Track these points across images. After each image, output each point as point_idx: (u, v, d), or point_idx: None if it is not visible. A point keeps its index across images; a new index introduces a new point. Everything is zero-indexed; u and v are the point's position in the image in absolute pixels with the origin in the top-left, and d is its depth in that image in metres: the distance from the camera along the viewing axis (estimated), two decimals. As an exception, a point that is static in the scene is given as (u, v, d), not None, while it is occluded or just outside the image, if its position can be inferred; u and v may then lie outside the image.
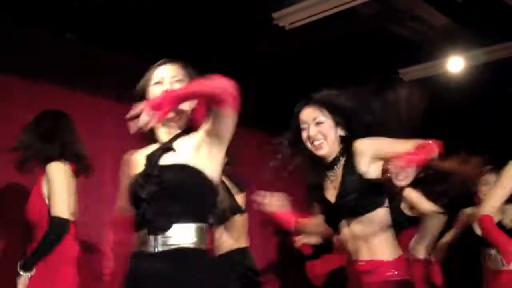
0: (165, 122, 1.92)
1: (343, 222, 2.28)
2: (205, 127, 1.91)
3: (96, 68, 4.41)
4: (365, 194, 2.22)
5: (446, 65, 4.69)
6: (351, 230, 2.25)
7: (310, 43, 4.52)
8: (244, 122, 5.23)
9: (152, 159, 1.91)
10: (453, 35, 4.40)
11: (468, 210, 4.32)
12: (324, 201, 2.35)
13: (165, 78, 2.03)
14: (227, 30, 4.31)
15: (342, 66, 4.94)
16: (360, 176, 2.23)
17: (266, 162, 5.11)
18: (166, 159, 1.88)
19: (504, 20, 4.09)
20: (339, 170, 2.32)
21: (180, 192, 1.81)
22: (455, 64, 4.65)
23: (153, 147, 2.00)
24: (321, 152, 2.34)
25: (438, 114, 5.64)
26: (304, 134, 2.41)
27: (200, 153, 1.88)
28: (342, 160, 2.33)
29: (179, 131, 1.97)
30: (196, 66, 4.64)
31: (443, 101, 5.29)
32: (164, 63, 2.08)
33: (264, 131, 5.38)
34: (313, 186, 2.43)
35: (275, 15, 4.13)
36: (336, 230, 2.33)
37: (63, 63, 4.19)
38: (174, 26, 4.19)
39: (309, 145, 2.38)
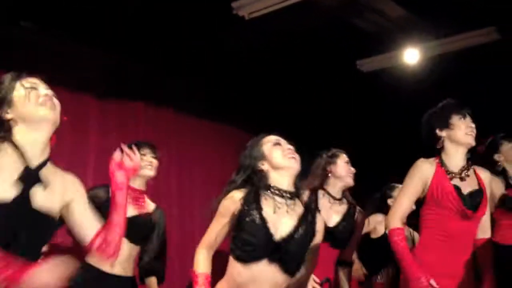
0: None
1: None
2: None
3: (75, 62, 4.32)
4: None
5: (403, 56, 4.75)
6: None
7: (269, 33, 4.50)
8: (197, 112, 5.16)
9: None
10: (409, 26, 4.45)
11: (378, 217, 4.34)
12: None
13: None
14: (185, 19, 4.26)
15: (300, 57, 4.95)
16: None
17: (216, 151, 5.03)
18: None
19: (458, 11, 4.16)
20: None
21: None
22: (411, 55, 4.71)
23: None
24: None
25: (395, 105, 5.75)
26: None
27: None
28: None
29: None
30: (153, 56, 4.62)
31: (399, 92, 5.38)
32: None
33: (217, 121, 5.42)
34: None
35: (234, 4, 4.09)
36: None
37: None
38: (135, 18, 4.15)
39: None
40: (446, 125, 2.80)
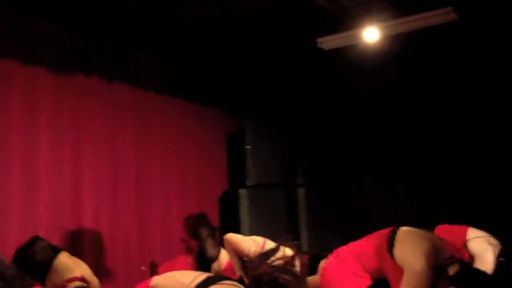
0: None
1: None
2: None
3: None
4: None
5: (363, 35, 4.76)
6: None
7: (231, 10, 4.46)
8: (154, 88, 5.10)
9: None
10: (369, 5, 4.47)
11: None
12: None
13: None
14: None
15: (260, 34, 4.93)
16: None
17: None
18: None
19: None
20: None
21: None
22: (371, 34, 4.73)
23: None
24: None
25: (355, 82, 5.81)
26: None
27: None
28: None
29: None
30: (110, 31, 4.53)
31: (360, 69, 5.43)
32: None
33: (175, 97, 5.38)
34: None
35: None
36: None
37: None
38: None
39: None
40: None
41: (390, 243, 2.55)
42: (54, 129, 4.28)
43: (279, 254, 3.39)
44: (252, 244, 3.61)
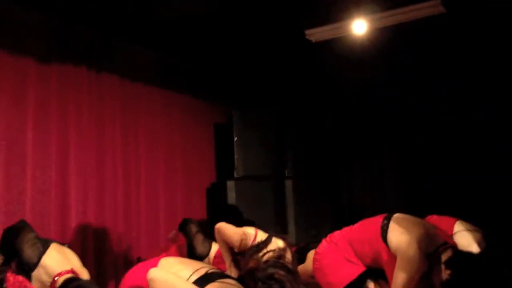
0: None
1: None
2: None
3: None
4: None
5: (351, 27, 4.76)
6: None
7: (219, 1, 4.44)
8: (143, 78, 5.07)
9: None
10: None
11: None
12: None
13: None
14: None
15: (249, 24, 4.91)
16: None
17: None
18: None
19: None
20: None
21: None
22: (359, 26, 4.73)
23: None
24: None
25: (343, 74, 5.82)
26: None
27: None
28: None
29: None
30: (98, 20, 4.48)
31: (348, 62, 5.43)
32: None
33: (163, 87, 5.38)
34: None
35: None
36: None
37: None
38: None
39: None
40: None
41: (384, 230, 2.56)
42: (40, 119, 4.25)
43: (271, 246, 3.38)
44: (244, 236, 3.59)
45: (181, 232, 4.58)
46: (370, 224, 2.71)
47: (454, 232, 3.71)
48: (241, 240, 3.47)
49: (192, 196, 5.57)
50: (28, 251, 3.01)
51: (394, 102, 6.14)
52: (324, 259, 2.85)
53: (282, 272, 2.40)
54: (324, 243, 2.95)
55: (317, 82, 6.12)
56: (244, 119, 5.85)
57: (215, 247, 4.38)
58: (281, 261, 2.87)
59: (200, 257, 4.44)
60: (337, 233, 2.93)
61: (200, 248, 4.51)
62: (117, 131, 4.87)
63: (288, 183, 6.14)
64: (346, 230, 2.89)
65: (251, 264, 3.25)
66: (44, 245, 3.07)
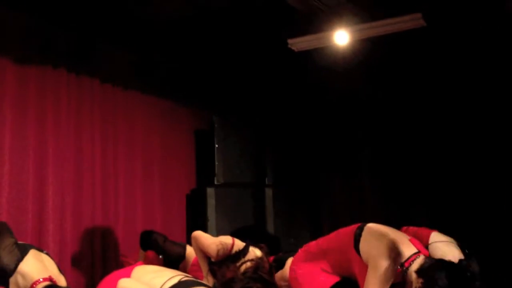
0: None
1: None
2: None
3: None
4: None
5: (333, 37, 4.80)
6: None
7: (202, 9, 4.45)
8: (123, 82, 5.04)
9: None
10: (339, 8, 4.51)
11: None
12: None
13: None
14: None
15: (232, 33, 4.93)
16: None
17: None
18: None
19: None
20: None
21: None
22: (341, 37, 4.77)
23: None
24: None
25: (325, 84, 5.86)
26: None
27: None
28: None
29: None
30: (79, 22, 4.44)
31: (329, 72, 5.48)
32: None
33: (143, 92, 5.36)
34: None
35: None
36: None
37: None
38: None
39: None
40: None
41: (357, 240, 2.56)
42: (18, 121, 4.20)
43: (248, 256, 3.37)
44: (220, 245, 3.58)
45: (145, 247, 4.51)
46: (344, 234, 2.72)
47: (429, 243, 3.74)
48: (218, 250, 3.46)
49: (171, 203, 5.54)
50: (6, 258, 2.97)
51: (374, 113, 6.20)
52: (299, 269, 2.86)
53: (259, 285, 2.39)
54: (300, 252, 2.96)
55: (298, 91, 6.15)
56: (225, 126, 5.85)
57: (190, 248, 4.34)
58: (259, 272, 2.86)
59: (177, 259, 4.38)
60: (313, 243, 2.94)
61: (175, 250, 4.43)
62: (96, 135, 4.83)
63: (268, 191, 6.14)
64: (321, 239, 2.89)
65: (228, 274, 3.24)
66: (22, 252, 3.03)
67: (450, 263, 2.53)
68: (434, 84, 5.69)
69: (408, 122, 6.03)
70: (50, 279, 2.90)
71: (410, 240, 2.61)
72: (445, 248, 3.63)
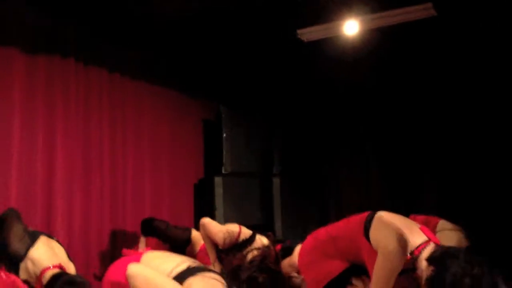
0: None
1: None
2: None
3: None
4: None
5: (343, 27, 4.77)
6: None
7: (209, 2, 4.44)
8: (131, 73, 5.03)
9: None
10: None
11: None
12: None
13: None
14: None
15: (241, 23, 4.90)
16: None
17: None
18: None
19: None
20: None
21: None
22: (351, 27, 4.74)
23: None
24: None
25: (334, 74, 5.83)
26: None
27: None
28: None
29: None
30: (87, 14, 4.45)
31: (339, 62, 5.45)
32: None
33: (152, 83, 5.36)
34: None
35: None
36: None
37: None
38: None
39: None
40: None
41: (366, 227, 2.56)
42: (27, 110, 4.21)
43: (255, 244, 3.38)
44: (227, 234, 3.60)
45: (148, 234, 4.52)
46: (354, 221, 2.72)
47: (437, 231, 3.73)
48: (225, 238, 3.48)
49: (179, 191, 5.56)
50: (16, 244, 2.99)
51: (382, 103, 6.17)
52: (308, 256, 2.85)
53: (266, 275, 2.39)
54: (309, 239, 2.96)
55: (306, 82, 6.13)
56: (233, 116, 5.86)
57: (195, 232, 4.35)
58: (266, 262, 2.87)
59: (183, 244, 4.38)
60: (322, 230, 2.94)
61: (179, 234, 4.43)
62: (104, 124, 4.84)
63: (276, 180, 6.17)
64: (331, 227, 2.90)
65: (235, 262, 3.26)
66: (32, 238, 3.05)
67: (461, 249, 2.52)
68: (444, 74, 5.66)
69: (416, 113, 6.00)
70: (59, 266, 2.92)
71: (420, 228, 2.61)
72: (452, 236, 3.63)
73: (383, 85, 5.99)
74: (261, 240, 3.65)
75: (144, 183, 5.17)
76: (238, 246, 3.56)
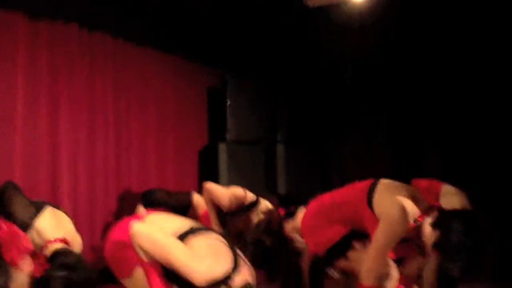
0: None
1: None
2: None
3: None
4: None
5: (350, -7, 4.71)
6: None
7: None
8: (135, 38, 4.95)
9: None
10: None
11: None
12: None
13: None
14: None
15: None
16: None
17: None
18: None
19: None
20: None
21: None
22: (358, -7, 4.68)
23: None
24: None
25: (340, 41, 5.78)
26: None
27: None
28: None
29: None
30: None
31: (345, 29, 5.39)
32: None
33: (156, 48, 5.32)
34: None
35: None
36: None
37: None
38: None
39: None
40: None
41: (370, 195, 2.58)
42: (30, 76, 4.20)
43: (260, 207, 3.40)
44: (233, 197, 3.61)
45: (149, 206, 4.46)
46: (357, 188, 2.73)
47: (440, 195, 3.75)
48: (231, 201, 3.49)
49: (183, 158, 5.58)
50: (21, 213, 2.91)
51: (388, 72, 6.13)
52: (312, 220, 2.88)
53: (272, 239, 2.42)
54: (313, 204, 2.98)
55: (312, 48, 6.07)
56: (238, 83, 5.82)
57: (197, 196, 4.34)
58: (272, 225, 2.90)
59: (184, 208, 4.33)
60: (326, 195, 2.96)
61: (180, 199, 4.37)
62: (108, 91, 4.82)
63: (280, 147, 6.17)
64: (335, 192, 2.92)
65: (240, 225, 3.29)
66: (37, 208, 2.97)
67: (465, 211, 2.54)
68: (451, 42, 5.59)
69: (422, 80, 5.96)
70: (63, 240, 2.85)
71: (423, 195, 2.63)
72: (456, 200, 3.64)
73: (389, 52, 5.94)
74: (266, 204, 3.67)
75: (148, 149, 5.18)
76: (244, 209, 3.57)
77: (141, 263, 2.18)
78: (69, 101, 4.47)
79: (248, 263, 2.25)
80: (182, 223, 2.32)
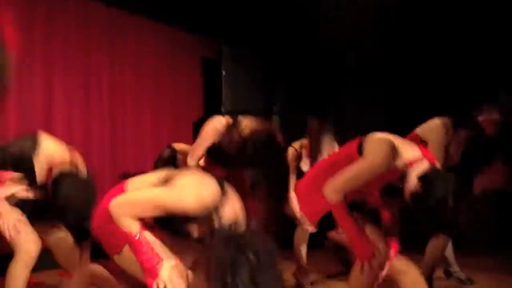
0: None
1: None
2: None
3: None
4: None
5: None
6: None
7: None
8: (130, 9, 4.90)
9: None
10: None
11: None
12: None
13: None
14: None
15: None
16: None
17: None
18: None
19: None
20: None
21: None
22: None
23: None
24: None
25: (336, 14, 5.72)
26: None
27: None
28: None
29: None
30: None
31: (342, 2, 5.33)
32: None
33: (152, 19, 5.27)
34: None
35: None
36: None
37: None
38: None
39: None
40: None
41: (360, 146, 2.57)
42: (25, 42, 4.17)
43: (243, 123, 3.18)
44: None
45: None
46: (351, 144, 2.73)
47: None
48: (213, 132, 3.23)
49: (179, 130, 5.56)
50: (19, 144, 2.78)
51: (387, 42, 6.09)
52: (307, 187, 2.86)
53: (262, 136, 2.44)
54: (309, 171, 2.97)
55: (310, 20, 6.01)
56: (233, 55, 5.78)
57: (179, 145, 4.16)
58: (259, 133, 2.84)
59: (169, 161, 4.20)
60: (324, 159, 2.95)
61: (163, 155, 4.03)
62: (103, 59, 4.79)
63: (276, 119, 6.15)
64: (333, 153, 2.91)
65: (233, 140, 3.08)
66: (33, 137, 2.82)
67: (454, 177, 2.52)
68: (453, 17, 5.54)
69: (421, 51, 5.93)
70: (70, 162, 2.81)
71: (419, 146, 2.61)
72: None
73: (387, 24, 5.89)
74: (249, 123, 3.34)
75: (143, 120, 5.17)
76: (230, 127, 3.29)
77: (129, 238, 2.13)
78: (64, 72, 4.46)
79: (237, 196, 2.23)
80: (159, 173, 2.28)
